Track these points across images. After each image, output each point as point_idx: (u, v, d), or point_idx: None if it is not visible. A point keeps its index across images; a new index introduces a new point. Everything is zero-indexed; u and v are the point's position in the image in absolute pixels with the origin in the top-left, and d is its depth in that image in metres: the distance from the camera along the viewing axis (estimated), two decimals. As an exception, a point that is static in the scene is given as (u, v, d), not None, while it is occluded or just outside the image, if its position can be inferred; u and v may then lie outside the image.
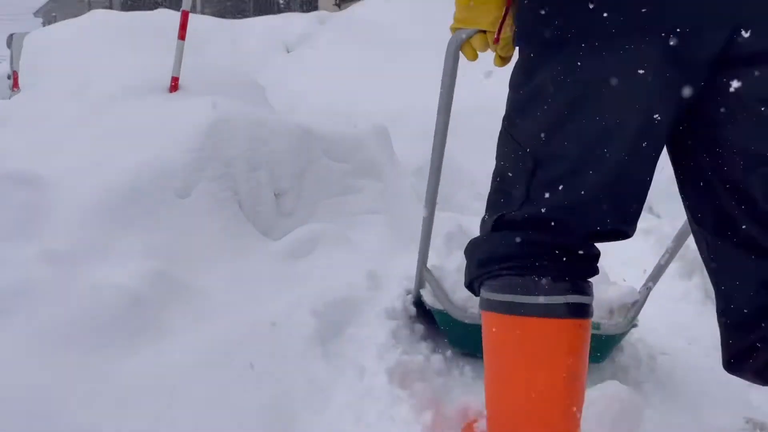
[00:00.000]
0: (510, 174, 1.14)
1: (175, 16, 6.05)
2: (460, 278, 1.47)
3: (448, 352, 1.94)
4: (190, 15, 2.94)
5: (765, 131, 0.96)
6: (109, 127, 2.60)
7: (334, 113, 4.22)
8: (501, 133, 1.18)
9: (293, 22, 7.71)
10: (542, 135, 1.06)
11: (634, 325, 1.96)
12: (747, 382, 1.94)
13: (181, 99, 2.75)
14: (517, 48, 1.15)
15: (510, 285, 1.12)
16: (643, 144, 1.03)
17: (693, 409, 1.75)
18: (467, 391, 1.77)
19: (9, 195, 2.03)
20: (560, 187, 1.06)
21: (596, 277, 1.19)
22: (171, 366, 1.56)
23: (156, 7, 7.36)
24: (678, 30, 0.94)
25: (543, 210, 1.08)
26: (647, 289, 1.97)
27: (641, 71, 0.96)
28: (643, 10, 0.94)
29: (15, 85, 8.06)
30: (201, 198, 2.25)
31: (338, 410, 1.53)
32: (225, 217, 2.25)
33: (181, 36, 2.87)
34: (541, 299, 1.09)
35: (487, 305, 1.16)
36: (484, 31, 1.18)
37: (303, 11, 9.39)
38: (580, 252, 1.12)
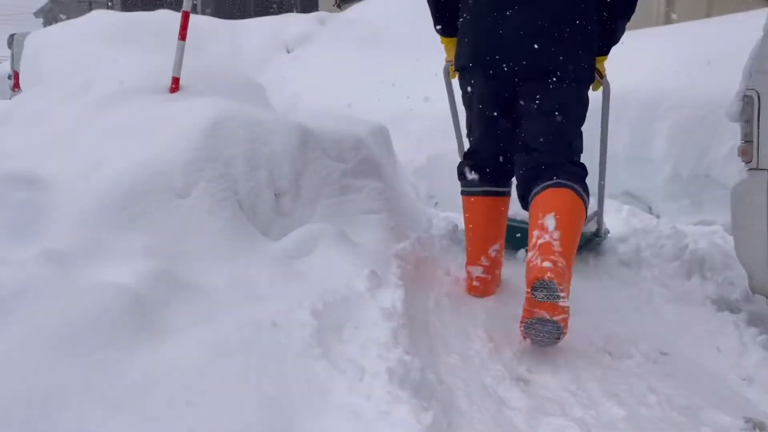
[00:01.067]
0: (466, 137, 2.54)
1: (175, 17, 6.05)
2: None
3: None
4: (191, 15, 2.94)
5: (529, 107, 2.22)
6: (109, 127, 2.61)
7: (334, 113, 4.22)
8: None
9: (293, 22, 7.70)
10: (467, 110, 2.44)
11: (606, 232, 3.02)
12: (747, 382, 1.94)
13: (182, 99, 2.75)
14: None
15: (465, 184, 2.46)
16: (493, 120, 2.32)
17: (693, 409, 1.75)
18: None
19: (9, 195, 2.03)
20: (475, 139, 2.42)
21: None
22: (171, 366, 1.56)
23: (156, 8, 7.36)
24: (492, 71, 2.23)
25: (472, 150, 2.44)
26: (597, 211, 2.91)
27: (485, 85, 2.28)
28: (480, 62, 2.26)
29: (16, 85, 8.08)
30: (201, 198, 2.25)
31: (338, 410, 1.53)
32: (225, 217, 2.25)
33: (182, 36, 2.87)
34: (473, 189, 2.42)
35: (462, 193, 2.48)
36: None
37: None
38: (489, 169, 2.38)
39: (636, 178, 3.82)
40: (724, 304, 2.46)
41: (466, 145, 2.51)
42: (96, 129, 2.62)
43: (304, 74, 6.59)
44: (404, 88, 5.21)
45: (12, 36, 9.67)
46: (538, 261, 1.93)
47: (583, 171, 2.21)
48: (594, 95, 2.41)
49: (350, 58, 6.53)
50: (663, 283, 2.59)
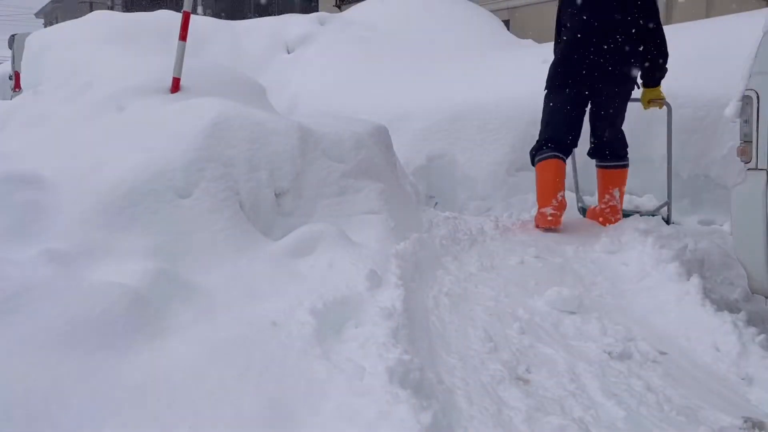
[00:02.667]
0: (541, 126, 3.66)
1: (176, 17, 6.06)
2: None
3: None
4: (191, 16, 2.94)
5: (599, 110, 3.58)
6: (110, 127, 2.61)
7: (334, 113, 4.23)
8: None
9: (294, 23, 7.71)
10: (546, 114, 3.63)
11: (669, 223, 3.53)
12: (746, 382, 1.95)
13: (182, 100, 2.75)
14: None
15: (540, 154, 3.52)
16: (569, 116, 3.55)
17: (692, 409, 1.75)
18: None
19: (10, 195, 2.04)
20: (549, 128, 3.57)
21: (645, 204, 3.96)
22: (171, 365, 1.57)
23: (157, 8, 7.36)
24: (575, 85, 3.50)
25: (546, 135, 3.57)
26: (667, 203, 3.62)
27: (569, 95, 3.53)
28: (565, 80, 3.55)
29: (17, 85, 8.08)
30: (202, 198, 2.25)
31: (338, 409, 1.54)
32: (225, 217, 2.26)
33: (183, 37, 2.88)
34: (547, 155, 3.48)
35: (536, 162, 3.55)
36: None
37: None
38: (555, 146, 3.50)
39: (636, 178, 3.82)
40: (724, 304, 2.46)
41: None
42: (97, 129, 2.63)
43: (304, 75, 6.59)
44: (404, 89, 5.22)
45: (13, 36, 9.69)
46: (610, 216, 3.48)
47: (624, 144, 3.58)
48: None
49: (350, 58, 6.54)
50: (663, 283, 2.59)
